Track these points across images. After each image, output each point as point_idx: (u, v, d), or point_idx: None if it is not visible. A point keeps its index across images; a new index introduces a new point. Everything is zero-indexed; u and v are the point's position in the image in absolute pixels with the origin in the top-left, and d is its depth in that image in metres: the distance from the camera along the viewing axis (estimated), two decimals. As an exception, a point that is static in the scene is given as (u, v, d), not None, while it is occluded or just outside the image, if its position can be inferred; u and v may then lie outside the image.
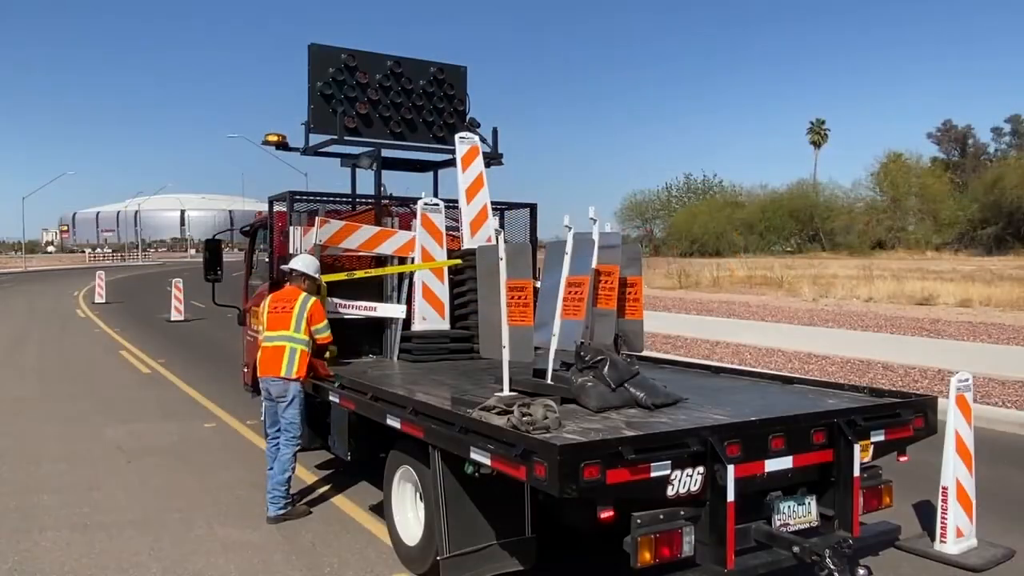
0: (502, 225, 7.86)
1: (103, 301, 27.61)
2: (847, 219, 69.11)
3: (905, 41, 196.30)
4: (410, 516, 4.96)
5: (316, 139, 7.56)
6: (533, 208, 8.08)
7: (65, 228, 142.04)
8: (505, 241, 4.85)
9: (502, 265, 4.57)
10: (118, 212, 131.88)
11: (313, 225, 6.66)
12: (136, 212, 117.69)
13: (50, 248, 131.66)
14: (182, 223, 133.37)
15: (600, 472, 3.53)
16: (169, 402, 10.44)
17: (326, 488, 6.61)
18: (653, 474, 3.66)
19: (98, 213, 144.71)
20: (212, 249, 8.80)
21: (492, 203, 7.21)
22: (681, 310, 21.59)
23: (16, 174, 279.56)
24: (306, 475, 6.96)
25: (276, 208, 7.27)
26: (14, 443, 8.23)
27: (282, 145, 7.93)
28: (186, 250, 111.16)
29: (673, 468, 3.72)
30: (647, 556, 3.71)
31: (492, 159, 7.77)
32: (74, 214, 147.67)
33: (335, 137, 7.44)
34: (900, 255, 55.23)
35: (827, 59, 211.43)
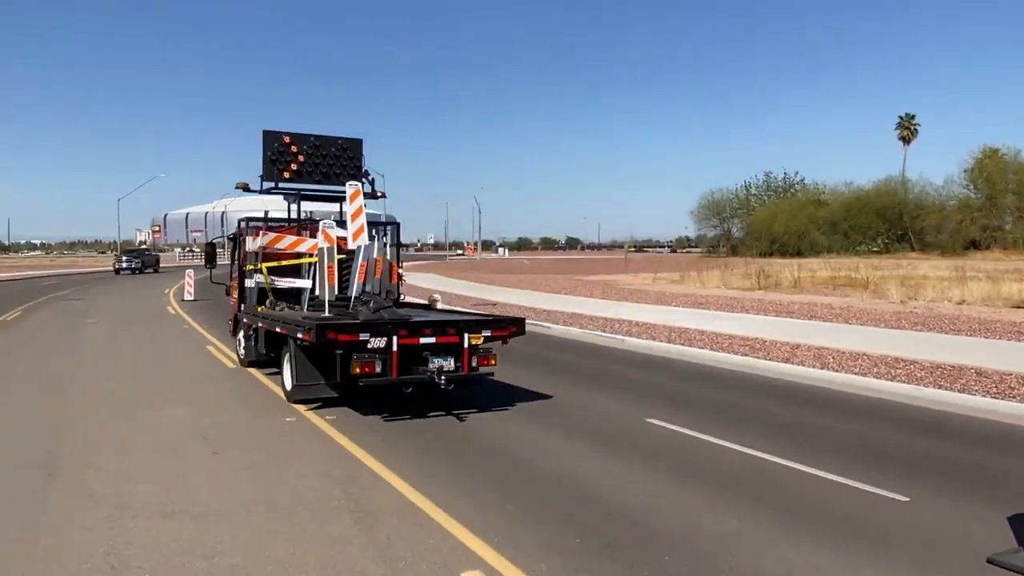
0: (376, 235, 12.73)
1: (192, 299, 28.76)
2: (938, 218, 66.17)
3: (1001, 29, 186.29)
4: (287, 372, 10.23)
5: (268, 185, 12.53)
6: (397, 224, 13.51)
7: (157, 228, 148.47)
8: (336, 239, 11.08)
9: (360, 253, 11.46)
10: (206, 213, 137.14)
11: (258, 235, 12.32)
12: (223, 213, 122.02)
13: (143, 247, 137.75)
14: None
15: (335, 335, 8.72)
16: (252, 396, 10.81)
17: (402, 483, 6.71)
18: (361, 337, 8.81)
19: (187, 214, 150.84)
20: (210, 248, 14.73)
21: (368, 222, 11.70)
22: (759, 312, 21.05)
23: (112, 177, 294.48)
24: (382, 471, 7.09)
25: (244, 225, 13.10)
26: (110, 434, 8.64)
27: (247, 188, 12.57)
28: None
29: (372, 336, 8.85)
30: (357, 371, 8.78)
31: (371, 196, 12.94)
32: (165, 215, 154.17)
33: (276, 184, 12.48)
34: (996, 255, 52.54)
35: (917, 50, 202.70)
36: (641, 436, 8.51)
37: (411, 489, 6.55)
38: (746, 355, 13.53)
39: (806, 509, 6.11)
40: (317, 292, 11.19)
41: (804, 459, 7.41)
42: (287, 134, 12.35)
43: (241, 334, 13.34)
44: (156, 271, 60.26)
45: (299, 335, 9.31)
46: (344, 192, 11.91)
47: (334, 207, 13.46)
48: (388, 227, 13.27)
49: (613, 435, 8.53)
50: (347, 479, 6.87)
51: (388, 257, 12.15)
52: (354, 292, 11.44)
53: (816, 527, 5.71)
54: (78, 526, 5.72)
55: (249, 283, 12.88)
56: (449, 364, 9.21)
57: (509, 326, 10.02)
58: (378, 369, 8.85)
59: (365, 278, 11.58)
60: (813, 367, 12.20)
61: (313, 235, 11.82)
